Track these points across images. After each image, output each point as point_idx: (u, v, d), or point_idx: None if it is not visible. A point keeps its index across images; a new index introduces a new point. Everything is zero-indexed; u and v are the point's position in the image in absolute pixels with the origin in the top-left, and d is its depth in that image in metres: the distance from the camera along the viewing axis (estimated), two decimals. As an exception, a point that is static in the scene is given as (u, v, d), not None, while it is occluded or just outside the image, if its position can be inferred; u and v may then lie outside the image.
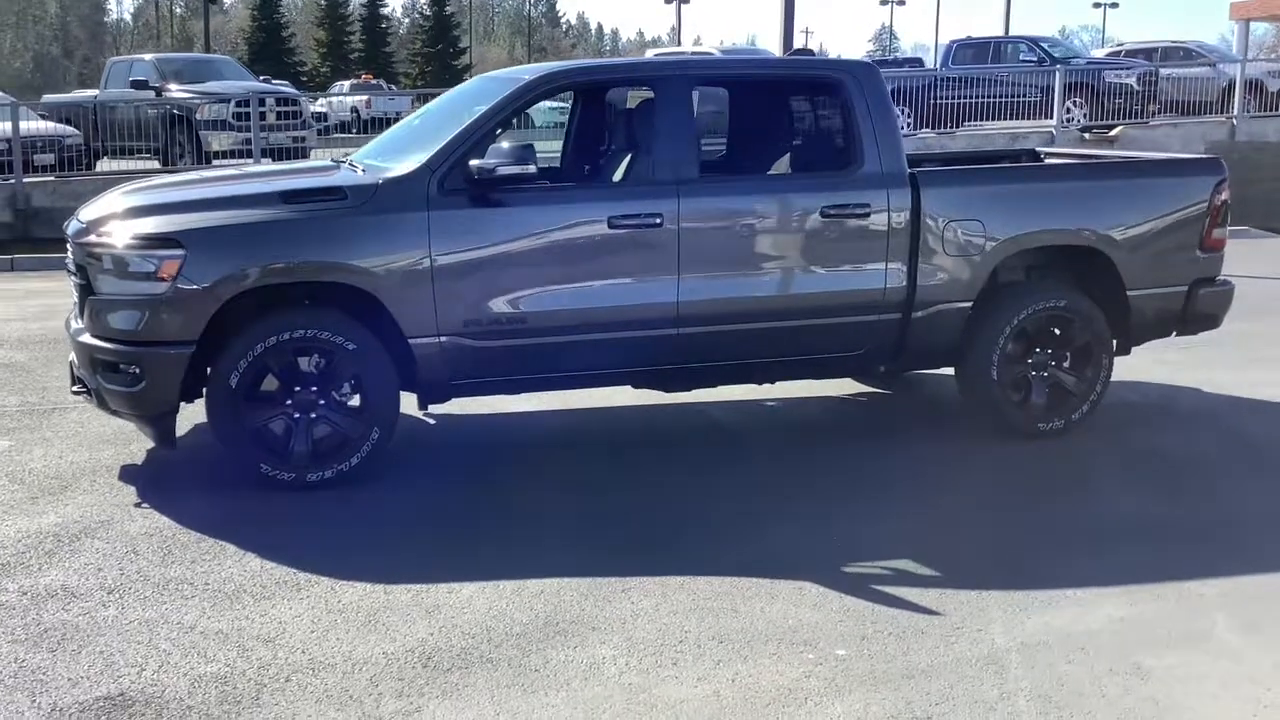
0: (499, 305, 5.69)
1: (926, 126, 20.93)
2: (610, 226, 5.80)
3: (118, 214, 5.60)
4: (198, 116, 19.22)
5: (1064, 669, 3.89)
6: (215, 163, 17.90)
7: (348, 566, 4.65)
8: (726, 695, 3.71)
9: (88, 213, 5.83)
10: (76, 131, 18.46)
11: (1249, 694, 3.75)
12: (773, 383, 6.70)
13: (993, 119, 21.18)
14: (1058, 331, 6.55)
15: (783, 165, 6.75)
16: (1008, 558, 4.85)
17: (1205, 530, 5.17)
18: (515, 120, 6.54)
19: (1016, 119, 20.91)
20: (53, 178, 17.22)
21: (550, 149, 8.21)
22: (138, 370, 5.38)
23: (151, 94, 19.73)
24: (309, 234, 5.49)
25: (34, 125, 17.83)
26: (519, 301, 5.72)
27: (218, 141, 18.98)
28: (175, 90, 19.94)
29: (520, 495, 5.57)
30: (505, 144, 5.69)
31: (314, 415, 5.56)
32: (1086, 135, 20.56)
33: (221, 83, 20.60)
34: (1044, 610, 4.33)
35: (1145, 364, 8.03)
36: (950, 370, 6.71)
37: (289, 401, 5.53)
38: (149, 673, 3.80)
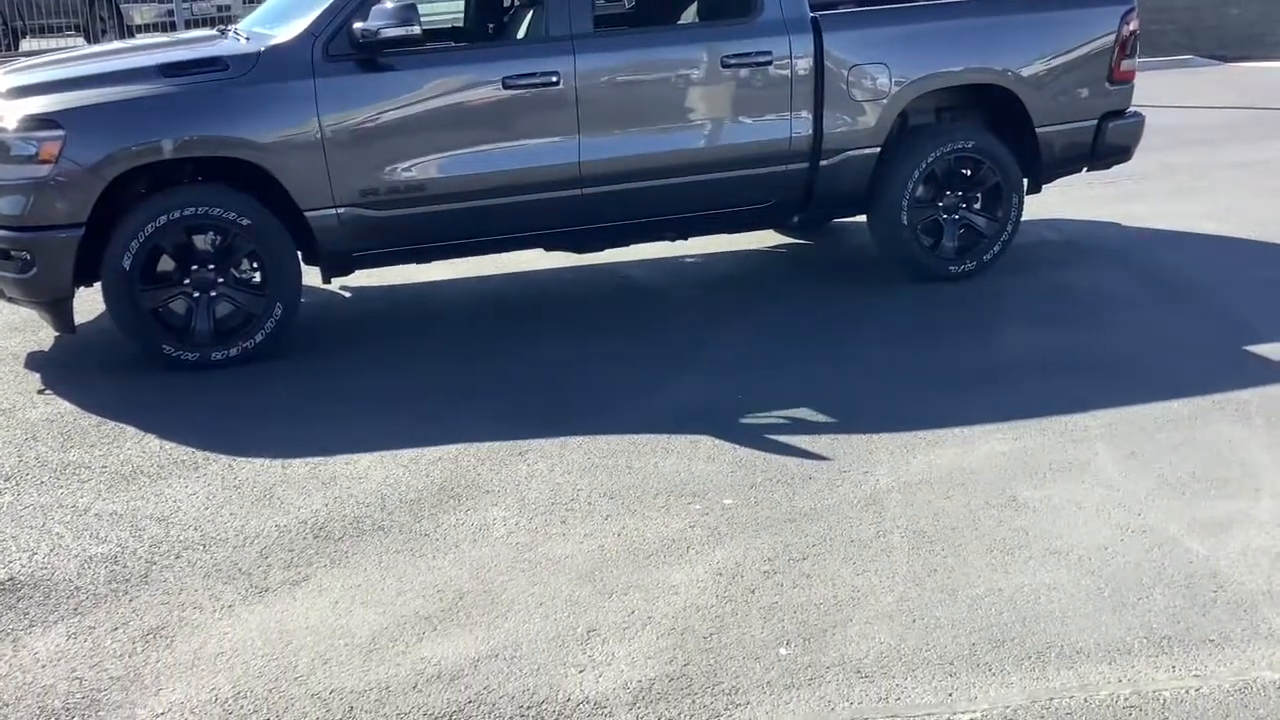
0: (396, 173, 5.60)
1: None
2: (505, 87, 5.69)
3: (-6, 97, 5.45)
4: (117, -10, 18.59)
5: (941, 504, 3.99)
6: (139, 37, 17.40)
7: (247, 444, 4.67)
8: (610, 548, 3.79)
9: (-34, 97, 5.65)
10: (-9, 12, 17.86)
11: (1118, 520, 3.85)
12: (685, 239, 6.67)
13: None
14: (967, 173, 6.54)
15: (685, 15, 6.61)
16: (903, 400, 4.92)
17: (1099, 364, 5.25)
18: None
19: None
20: (-29, 61, 16.70)
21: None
22: (28, 256, 5.29)
23: (68, -32, 19.01)
24: (190, 108, 5.36)
25: (-54, 6, 17.24)
26: (416, 169, 5.63)
27: (139, 14, 18.39)
28: (93, -38, 19.24)
29: (427, 366, 5.57)
30: (389, 3, 5.52)
31: (214, 294, 5.51)
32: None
33: (139, -48, 19.85)
34: (930, 450, 4.42)
35: (1068, 200, 8.06)
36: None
37: (186, 281, 5.47)
38: (40, 556, 3.84)
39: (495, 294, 6.77)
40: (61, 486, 4.36)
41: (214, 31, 6.36)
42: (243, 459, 4.53)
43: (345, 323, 6.38)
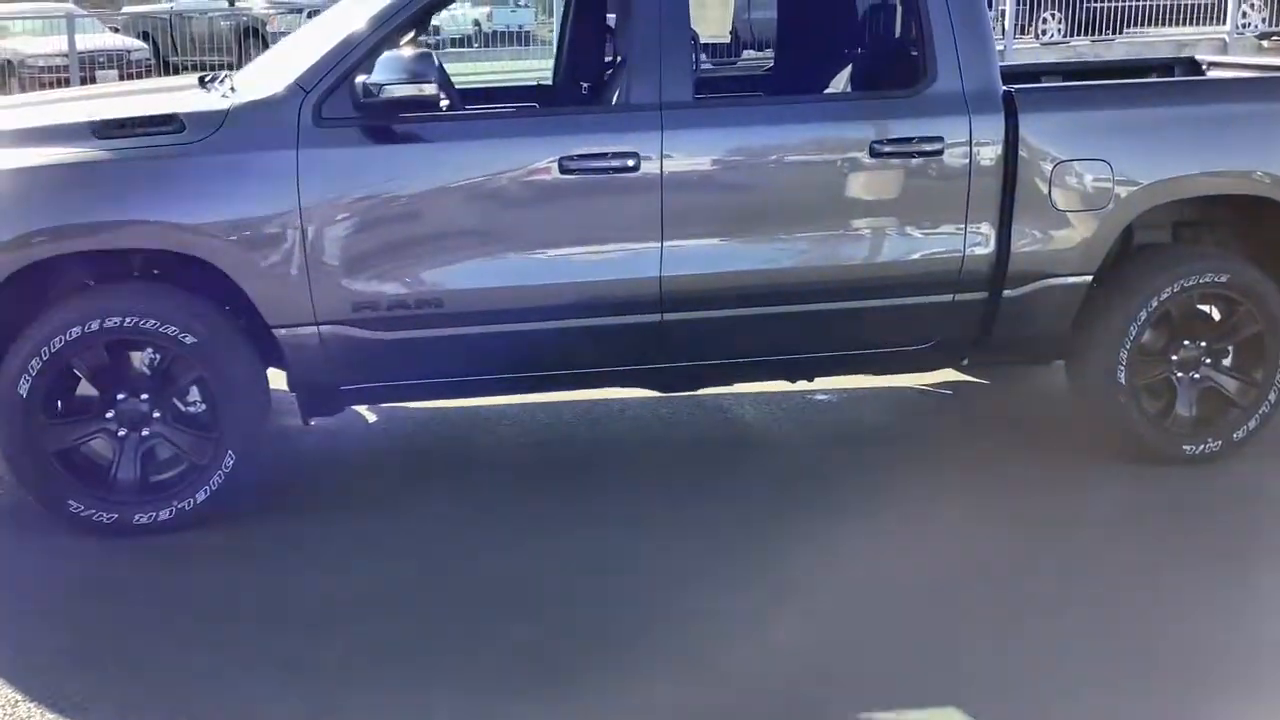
0: (402, 282, 4.07)
1: (1081, 33, 18.65)
2: (563, 171, 4.10)
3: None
4: (269, 28, 18.12)
5: None
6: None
7: (86, 700, 3.13)
8: None
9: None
10: (144, 45, 17.63)
11: None
12: (809, 380, 4.95)
13: (1157, 24, 18.81)
14: (1216, 317, 4.65)
15: (828, 82, 4.92)
16: (1100, 709, 3.07)
17: None
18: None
19: (1185, 24, 18.53)
20: (113, 94, 16.27)
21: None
22: (-104, 370, 3.94)
23: (225, 4, 18.72)
24: (121, 181, 3.94)
25: (98, 39, 17.03)
26: (431, 277, 4.09)
27: (289, 55, 17.82)
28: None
29: (413, 560, 3.94)
30: (404, 51, 4.01)
31: (145, 433, 4.05)
32: (1265, 43, 17.98)
33: (297, -9, 19.44)
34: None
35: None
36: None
37: (108, 415, 4.02)
38: None
39: (550, 433, 5.13)
40: None
41: (195, 81, 4.87)
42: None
43: (338, 465, 4.81)
